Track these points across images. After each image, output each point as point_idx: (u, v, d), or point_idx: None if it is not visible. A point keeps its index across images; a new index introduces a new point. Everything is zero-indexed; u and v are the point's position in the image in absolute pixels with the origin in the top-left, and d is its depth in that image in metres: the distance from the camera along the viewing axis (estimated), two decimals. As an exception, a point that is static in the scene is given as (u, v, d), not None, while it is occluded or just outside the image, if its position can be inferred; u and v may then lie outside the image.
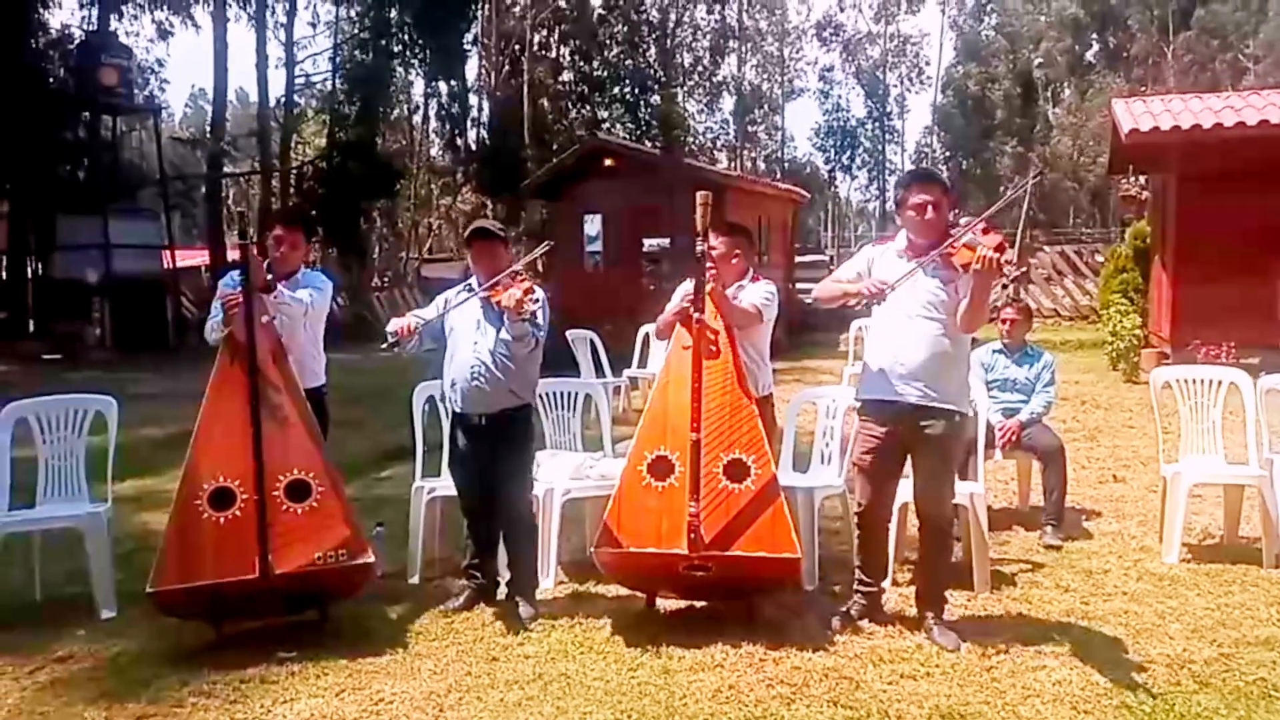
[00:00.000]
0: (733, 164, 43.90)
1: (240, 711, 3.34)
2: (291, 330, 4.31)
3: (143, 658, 3.85)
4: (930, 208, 3.70)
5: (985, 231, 3.57)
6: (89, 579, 4.36)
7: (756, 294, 4.36)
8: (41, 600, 4.55)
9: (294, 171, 27.04)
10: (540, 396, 4.89)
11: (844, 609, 4.03)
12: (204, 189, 26.44)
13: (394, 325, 4.12)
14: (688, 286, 4.12)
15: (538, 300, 4.08)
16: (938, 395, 3.71)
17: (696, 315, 3.98)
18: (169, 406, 9.01)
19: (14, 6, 20.37)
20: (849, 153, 52.55)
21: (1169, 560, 4.71)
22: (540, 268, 15.77)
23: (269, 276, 4.22)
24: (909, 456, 3.86)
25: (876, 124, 52.61)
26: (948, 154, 51.07)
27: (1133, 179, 15.52)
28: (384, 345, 4.11)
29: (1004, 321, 5.63)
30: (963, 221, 3.72)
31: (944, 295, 3.69)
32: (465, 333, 4.18)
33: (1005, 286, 17.60)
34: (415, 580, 4.66)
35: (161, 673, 3.66)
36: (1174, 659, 3.60)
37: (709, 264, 4.13)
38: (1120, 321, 11.64)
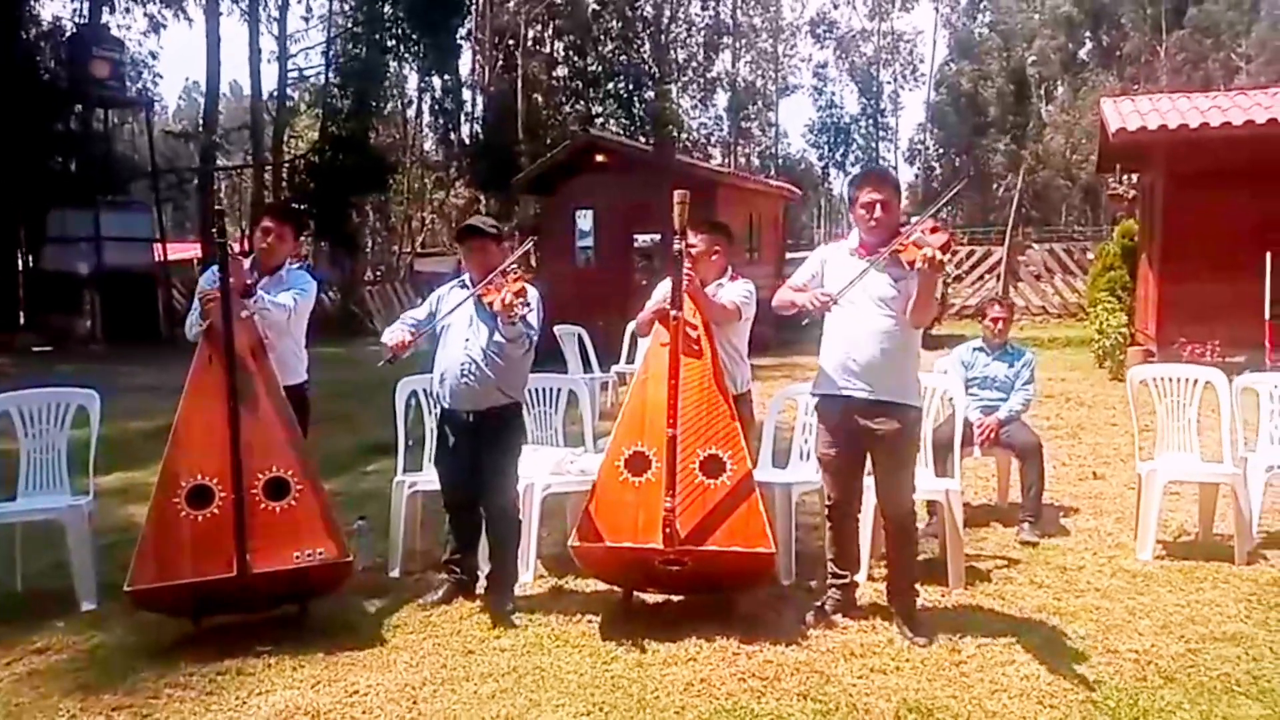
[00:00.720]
0: (726, 160, 43.91)
1: (215, 703, 3.37)
2: (274, 329, 4.31)
3: (120, 650, 3.87)
4: (879, 206, 3.76)
5: (933, 230, 3.63)
6: (70, 571, 4.38)
7: (735, 292, 4.39)
8: (22, 592, 4.57)
9: (286, 165, 26.97)
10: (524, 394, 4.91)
11: (818, 603, 4.07)
12: (196, 182, 26.39)
13: (388, 338, 4.15)
14: (667, 285, 4.15)
15: (529, 304, 4.08)
16: (888, 390, 3.76)
17: (674, 313, 4.01)
18: (158, 399, 9.01)
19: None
20: (842, 149, 52.62)
21: (1143, 557, 4.76)
22: (533, 263, 15.79)
23: (249, 281, 4.21)
24: (868, 451, 3.90)
25: (870, 121, 52.68)
26: (940, 151, 51.19)
27: (1122, 178, 15.58)
28: (381, 363, 4.14)
29: (992, 320, 5.66)
30: (912, 220, 3.78)
31: (894, 291, 3.74)
32: (457, 330, 4.20)
33: (982, 278, 17.74)
34: (395, 574, 4.69)
35: (138, 665, 3.68)
36: (1141, 654, 3.64)
37: (687, 262, 4.17)
38: (1107, 319, 11.71)
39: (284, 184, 26.31)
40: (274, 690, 3.45)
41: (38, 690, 3.52)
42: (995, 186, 41.34)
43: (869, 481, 4.04)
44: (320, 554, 3.90)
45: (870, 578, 4.38)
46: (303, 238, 24.17)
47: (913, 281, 3.66)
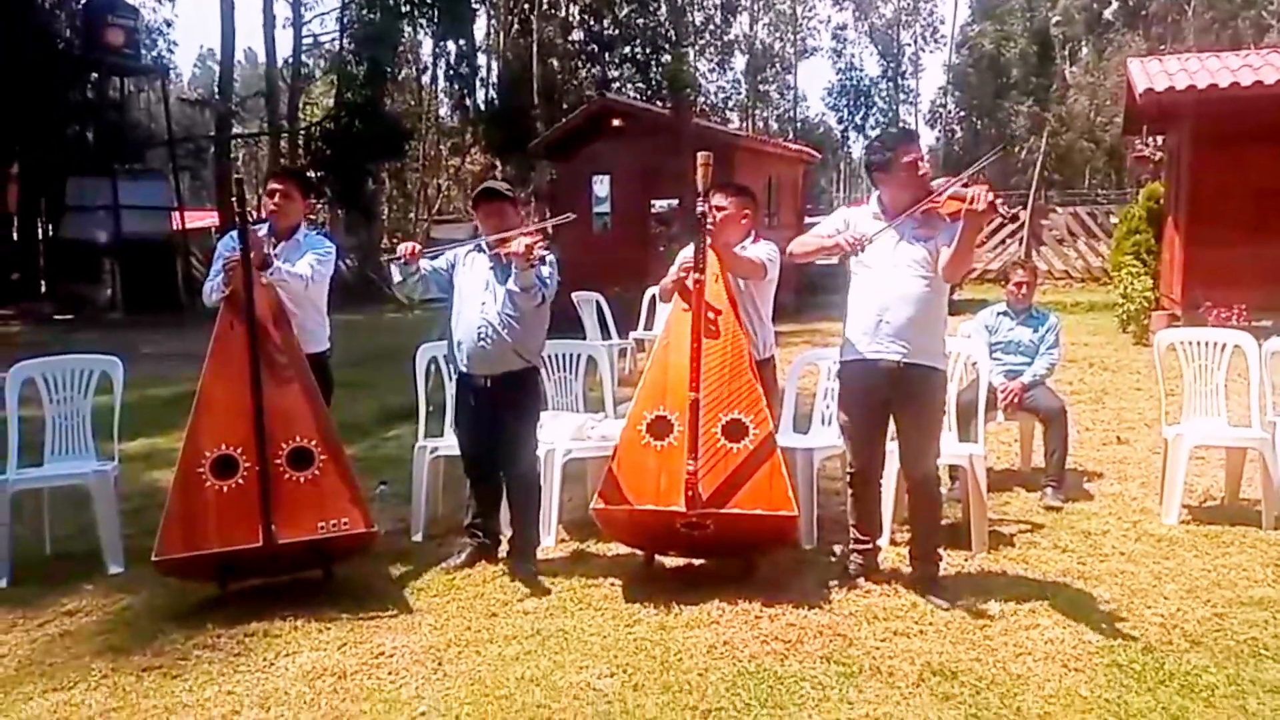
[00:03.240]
0: (744, 124, 43.50)
1: (244, 664, 3.40)
2: (295, 297, 4.30)
3: (148, 612, 3.92)
4: (920, 162, 3.72)
5: (966, 185, 3.59)
6: (97, 535, 4.44)
7: (759, 252, 4.35)
8: (51, 555, 4.63)
9: (302, 132, 26.90)
10: (543, 358, 4.90)
11: (841, 567, 4.07)
12: (212, 150, 26.37)
13: (399, 250, 4.16)
14: (689, 253, 4.11)
15: (547, 250, 4.08)
16: (918, 354, 3.73)
17: (696, 276, 3.97)
18: (178, 366, 9.09)
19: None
20: (862, 112, 52.04)
21: (1168, 522, 4.72)
22: (549, 229, 15.74)
23: (267, 251, 4.18)
24: (892, 415, 3.88)
25: (890, 83, 52.01)
26: (962, 113, 50.49)
27: (1147, 140, 15.33)
28: (384, 259, 4.17)
29: (1016, 285, 5.60)
30: (938, 181, 3.74)
31: (925, 252, 3.71)
32: (473, 293, 4.18)
33: (1005, 241, 17.54)
34: (418, 538, 4.71)
35: (166, 627, 3.73)
36: (1167, 619, 3.62)
37: (710, 223, 4.14)
38: (1131, 284, 11.56)
39: (300, 151, 26.25)
40: (301, 651, 3.48)
41: (69, 651, 3.57)
42: (1018, 149, 40.73)
43: (892, 447, 4.02)
44: (345, 523, 3.92)
45: (893, 542, 4.37)
46: (319, 204, 24.20)
47: (945, 237, 3.63)
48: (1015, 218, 16.47)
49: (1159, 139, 14.83)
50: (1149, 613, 3.69)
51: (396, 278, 4.19)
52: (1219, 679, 3.14)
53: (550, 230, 4.40)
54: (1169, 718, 2.90)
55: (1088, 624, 3.57)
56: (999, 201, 3.48)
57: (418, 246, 4.18)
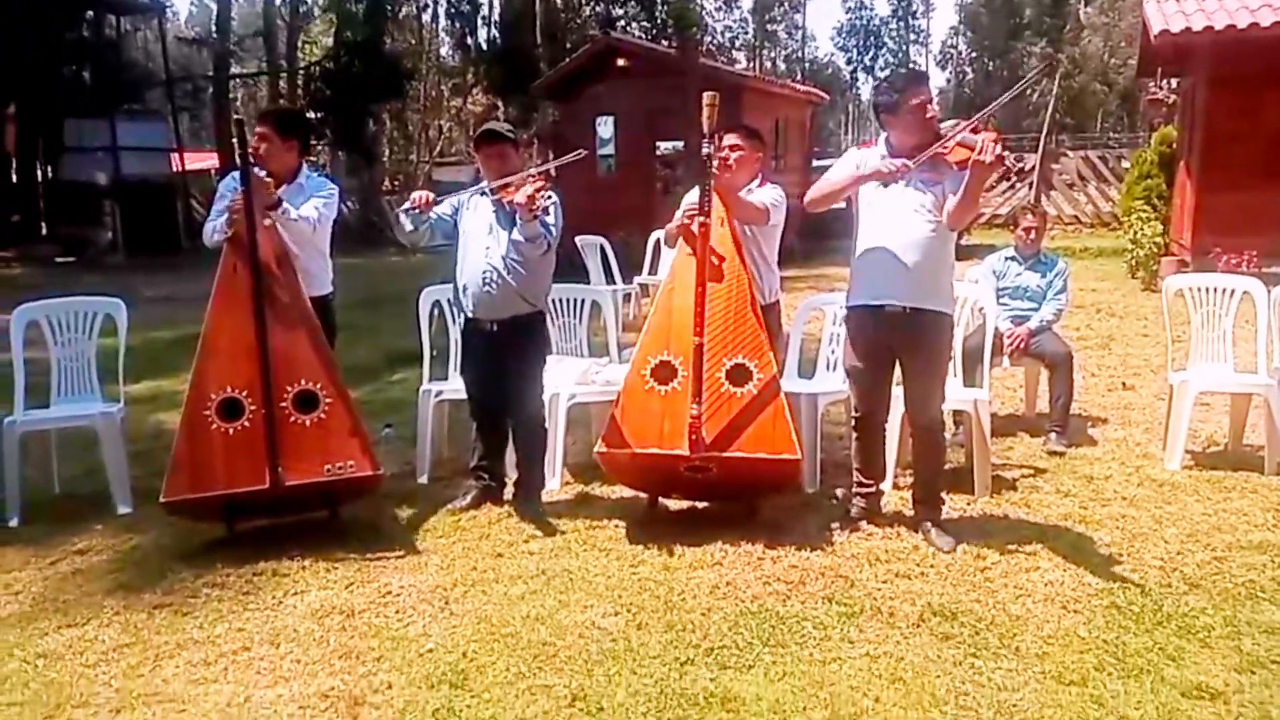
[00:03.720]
0: (751, 64, 42.82)
1: (253, 602, 3.45)
2: (298, 240, 4.26)
3: (158, 551, 3.96)
4: (928, 105, 3.65)
5: (975, 131, 3.53)
6: (105, 476, 4.47)
7: (765, 196, 4.31)
8: (60, 496, 4.68)
9: (301, 72, 26.55)
10: (548, 303, 4.88)
11: (843, 510, 4.10)
12: (211, 90, 26.05)
13: (411, 200, 4.12)
14: (694, 197, 4.06)
15: (550, 197, 4.05)
16: (925, 299, 3.71)
17: (701, 218, 3.94)
18: (181, 309, 9.10)
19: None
20: (872, 53, 51.23)
21: (1171, 467, 4.74)
22: (552, 172, 15.60)
23: (274, 194, 4.11)
24: (898, 360, 3.87)
25: (901, 23, 51.07)
26: (974, 54, 49.66)
27: (1162, 82, 15.07)
28: (402, 209, 4.13)
29: (1025, 230, 5.55)
30: (948, 125, 3.68)
31: (932, 196, 3.67)
32: (477, 237, 4.15)
33: (1012, 184, 17.37)
34: (423, 481, 4.75)
35: (176, 566, 3.77)
36: (1166, 562, 3.65)
37: (725, 164, 4.14)
38: (1141, 229, 11.46)
39: (300, 92, 25.94)
40: (309, 590, 3.53)
41: (81, 588, 3.62)
42: (1029, 91, 40.13)
43: (897, 392, 4.02)
44: (351, 466, 3.94)
45: (895, 486, 4.39)
46: (317, 145, 23.96)
47: (952, 184, 3.59)
48: (1020, 172, 16.31)
49: (1174, 81, 14.57)
50: (1149, 556, 3.72)
51: (408, 226, 4.15)
52: (1216, 620, 3.17)
53: (554, 172, 4.33)
54: (1166, 658, 2.94)
55: (1087, 567, 3.60)
56: (1006, 154, 3.43)
57: (430, 195, 4.12)
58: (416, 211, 4.08)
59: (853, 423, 4.09)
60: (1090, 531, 3.98)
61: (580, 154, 4.35)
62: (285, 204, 4.12)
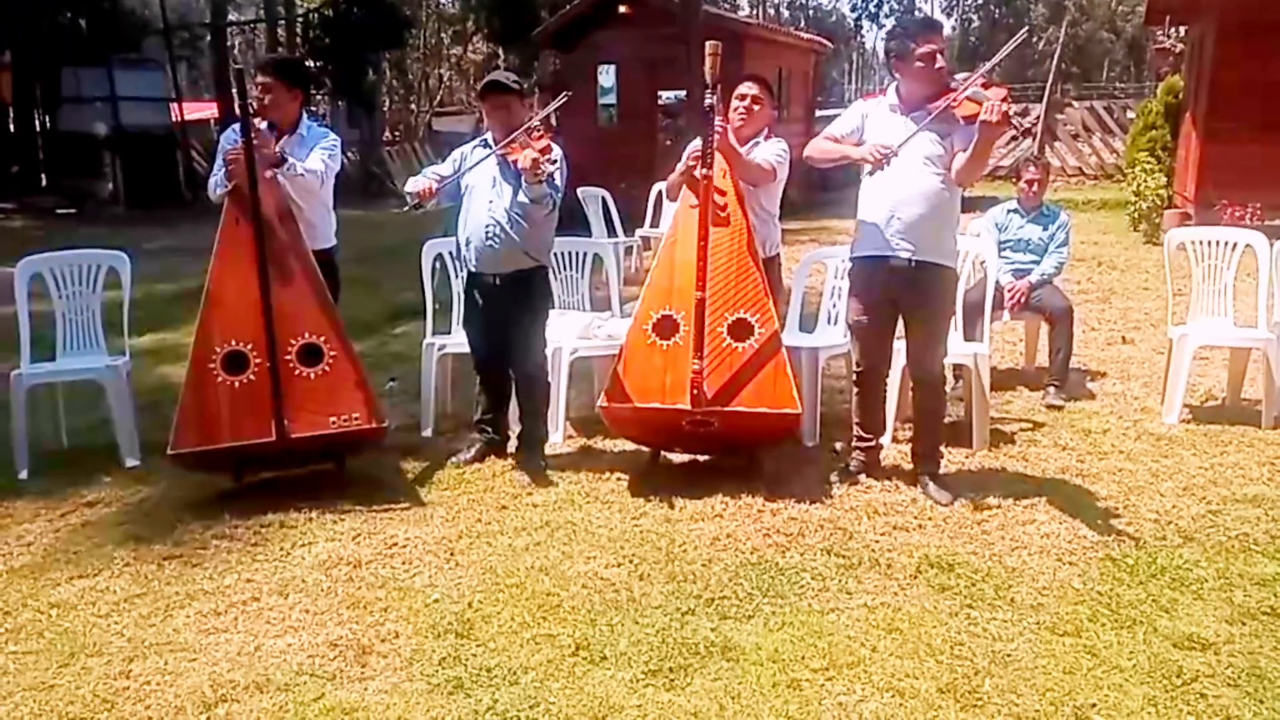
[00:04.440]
0: (754, 11, 42.15)
1: (261, 553, 3.51)
2: (301, 193, 4.24)
3: (166, 503, 4.02)
4: (939, 55, 3.61)
5: (985, 86, 3.50)
6: (112, 429, 4.52)
7: (769, 151, 4.29)
8: (68, 449, 4.73)
9: (300, 20, 26.15)
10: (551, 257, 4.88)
11: (843, 464, 4.14)
12: (209, 39, 25.70)
13: (413, 186, 4.09)
14: (698, 145, 4.05)
15: (555, 161, 4.02)
16: (931, 251, 3.71)
17: (704, 173, 3.93)
18: (184, 261, 9.10)
19: None
20: (876, 0, 50.31)
21: (1169, 421, 4.77)
22: (555, 121, 15.44)
23: (279, 148, 4.09)
24: (901, 314, 3.88)
25: (906, -31, 50.13)
26: (980, 1, 48.84)
27: (1170, 31, 14.84)
28: (406, 208, 4.10)
29: (1027, 183, 5.52)
30: (960, 76, 3.64)
31: (941, 150, 3.65)
32: (481, 191, 4.14)
33: (1016, 139, 17.21)
34: (428, 434, 4.79)
35: (184, 518, 3.83)
36: (1162, 515, 3.70)
37: (746, 112, 4.18)
38: (1145, 181, 11.36)
39: (299, 40, 25.57)
40: (316, 542, 3.59)
41: (92, 540, 3.68)
42: (1035, 40, 39.52)
43: (898, 345, 4.04)
44: (355, 418, 3.98)
45: (895, 439, 4.43)
46: (318, 95, 23.70)
47: (962, 138, 3.56)
48: (1028, 130, 16.14)
49: (1182, 30, 14.36)
50: (1144, 509, 3.77)
51: (417, 212, 4.11)
52: (1209, 573, 3.23)
53: (556, 120, 4.32)
54: (1159, 609, 2.99)
55: (1084, 520, 3.65)
56: (1012, 112, 3.41)
57: (432, 186, 4.06)
58: (418, 202, 4.05)
59: (854, 377, 4.12)
60: (1087, 485, 4.03)
61: (566, 95, 4.47)
62: (290, 159, 4.09)
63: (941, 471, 4.01)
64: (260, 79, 4.37)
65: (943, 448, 4.09)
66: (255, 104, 4.32)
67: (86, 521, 3.87)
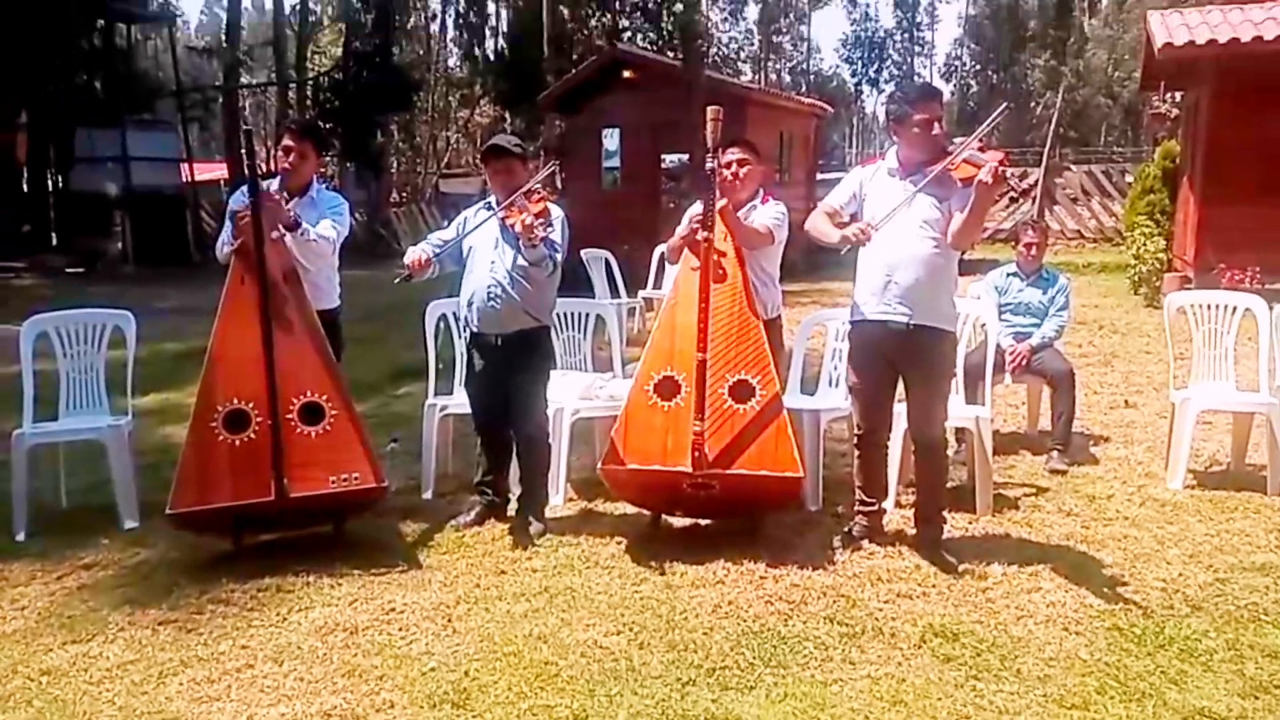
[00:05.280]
0: (756, 76, 42.94)
1: (257, 619, 3.47)
2: (306, 253, 4.29)
3: (163, 566, 3.98)
4: (936, 123, 3.67)
5: (982, 149, 3.55)
6: (112, 490, 4.50)
7: (767, 215, 4.34)
8: (67, 508, 4.70)
9: (310, 83, 26.68)
10: (553, 317, 4.90)
11: (845, 529, 4.11)
12: (221, 100, 26.18)
13: (409, 257, 4.13)
14: (698, 208, 4.09)
15: (551, 225, 4.07)
16: (929, 315, 3.73)
17: (704, 235, 3.97)
18: (189, 321, 9.13)
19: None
20: (877, 65, 51.27)
21: (1173, 486, 4.74)
22: (559, 184, 15.64)
23: (293, 213, 4.15)
24: (901, 377, 3.88)
25: (905, 35, 51.14)
26: (977, 67, 49.74)
27: (1166, 96, 15.09)
28: (397, 280, 4.12)
29: (1026, 246, 5.57)
30: (956, 140, 3.70)
31: (938, 214, 3.68)
32: (483, 252, 4.18)
33: (1015, 200, 17.38)
34: (428, 496, 4.76)
35: (181, 581, 3.79)
36: (1169, 583, 3.66)
37: (734, 178, 4.22)
38: (1144, 244, 11.46)
39: (308, 102, 26.06)
40: (313, 607, 3.54)
41: (87, 604, 3.64)
42: (1033, 105, 40.15)
43: (899, 409, 4.04)
44: (355, 478, 3.96)
45: (898, 504, 4.40)
46: (327, 157, 24.05)
47: (959, 201, 3.60)
48: (1026, 192, 16.33)
49: (1177, 95, 14.60)
50: (1151, 577, 3.72)
51: (408, 284, 4.15)
52: (1218, 644, 3.18)
53: (560, 183, 4.38)
54: (1168, 681, 2.94)
55: (1089, 588, 3.60)
56: (1008, 173, 3.46)
57: (423, 256, 4.09)
58: (409, 275, 4.07)
59: (855, 440, 4.11)
60: (1093, 551, 3.99)
61: (553, 165, 4.45)
62: (304, 224, 4.16)
63: (945, 537, 3.97)
64: (289, 141, 4.46)
65: (946, 512, 4.06)
66: (281, 165, 4.41)
67: (82, 585, 3.84)
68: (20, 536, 4.32)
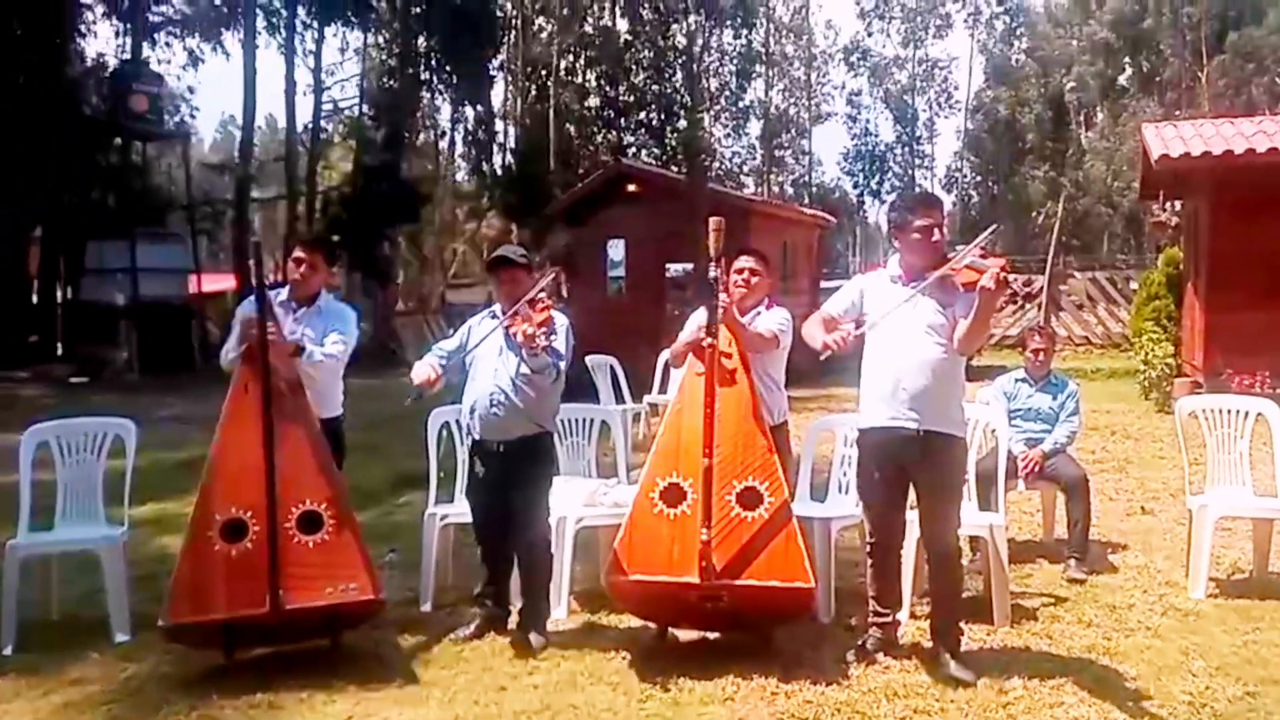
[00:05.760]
0: (759, 189, 43.95)
1: (247, 738, 3.33)
2: (316, 368, 4.31)
3: (153, 681, 3.85)
4: (936, 230, 3.70)
5: (983, 255, 3.58)
6: (104, 602, 4.39)
7: (772, 321, 4.36)
8: (57, 620, 4.58)
9: (320, 196, 27.33)
10: (557, 424, 4.86)
11: (859, 642, 3.97)
12: (231, 214, 26.79)
13: (417, 376, 4.13)
14: (702, 315, 4.11)
15: (555, 333, 4.08)
16: (936, 421, 3.68)
17: (709, 341, 3.96)
18: (191, 430, 9.12)
19: (52, 37, 20.84)
20: (878, 177, 52.36)
21: (1195, 595, 4.60)
22: (564, 293, 15.84)
23: (300, 339, 4.22)
24: (912, 484, 3.81)
25: (905, 148, 52.45)
26: (978, 178, 50.88)
27: (1165, 205, 15.37)
28: (409, 400, 4.12)
29: (1034, 352, 5.56)
30: (957, 248, 3.74)
31: (943, 319, 3.68)
32: (486, 360, 4.18)
33: (1020, 306, 17.52)
34: (426, 607, 4.64)
35: (171, 697, 3.66)
36: (1196, 697, 3.51)
37: (746, 284, 4.30)
38: (1152, 350, 11.48)
39: (318, 215, 26.64)
40: (305, 726, 3.40)
41: (71, 723, 3.50)
42: (1035, 214, 40.89)
43: (912, 516, 3.95)
44: (353, 588, 3.86)
45: (913, 615, 4.26)
46: (336, 268, 24.45)
47: (962, 307, 3.60)
48: (1030, 295, 16.52)
49: (1177, 204, 14.86)
50: (1177, 690, 3.58)
51: (419, 402, 4.16)
52: (1254, 764, 3.02)
53: (565, 291, 4.44)
54: (1203, 805, 2.78)
55: (1113, 702, 3.46)
56: (1010, 278, 3.48)
57: (432, 374, 4.11)
58: (420, 393, 4.10)
59: (867, 549, 4.00)
60: (1115, 664, 3.84)
61: (552, 273, 4.68)
62: (309, 348, 4.22)
63: (963, 649, 3.83)
64: (299, 253, 4.54)
65: (963, 624, 3.93)
66: (291, 277, 4.48)
67: (69, 701, 3.70)
68: (7, 650, 4.20)
